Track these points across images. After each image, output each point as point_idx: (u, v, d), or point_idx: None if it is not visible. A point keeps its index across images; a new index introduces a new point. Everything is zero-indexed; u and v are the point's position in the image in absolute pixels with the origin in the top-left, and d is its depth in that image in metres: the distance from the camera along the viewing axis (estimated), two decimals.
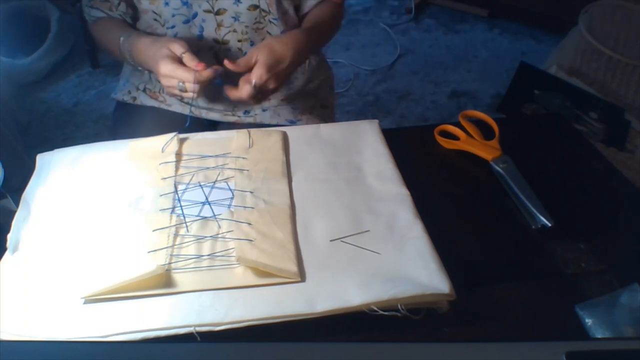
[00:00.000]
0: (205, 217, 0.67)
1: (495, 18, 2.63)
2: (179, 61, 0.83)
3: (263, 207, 0.68)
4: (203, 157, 0.76)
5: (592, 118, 1.72)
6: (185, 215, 0.67)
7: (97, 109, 2.07)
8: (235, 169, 0.74)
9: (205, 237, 0.64)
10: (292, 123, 1.02)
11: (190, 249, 0.63)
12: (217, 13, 0.94)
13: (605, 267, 0.65)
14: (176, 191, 0.70)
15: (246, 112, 1.03)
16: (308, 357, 0.43)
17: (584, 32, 1.85)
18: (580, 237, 0.69)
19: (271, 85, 0.85)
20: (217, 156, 0.76)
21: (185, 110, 1.01)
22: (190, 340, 0.54)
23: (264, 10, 0.95)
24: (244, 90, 0.84)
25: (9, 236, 0.64)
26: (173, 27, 0.95)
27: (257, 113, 1.03)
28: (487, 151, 0.80)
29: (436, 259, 0.61)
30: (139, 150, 0.76)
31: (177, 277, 0.59)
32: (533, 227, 0.70)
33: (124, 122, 1.05)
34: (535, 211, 0.70)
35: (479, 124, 0.86)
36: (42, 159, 0.76)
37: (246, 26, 0.95)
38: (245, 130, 0.80)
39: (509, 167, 0.77)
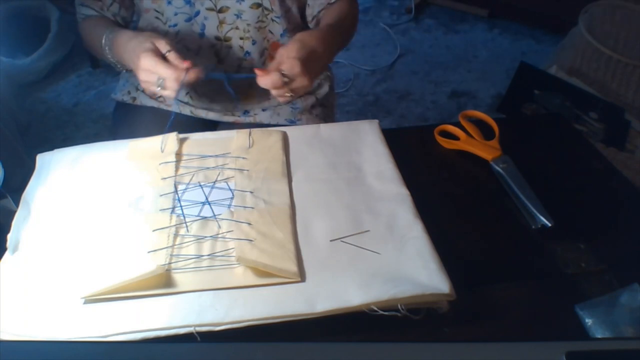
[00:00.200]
0: (205, 217, 0.67)
1: (495, 18, 2.63)
2: (162, 57, 0.80)
3: (263, 207, 0.68)
4: (203, 157, 0.76)
5: (592, 118, 1.72)
6: (185, 215, 0.67)
7: (97, 109, 2.07)
8: (235, 169, 0.74)
9: (205, 237, 0.64)
10: (292, 123, 1.02)
11: (190, 249, 0.63)
12: (220, 11, 0.94)
13: (605, 267, 0.65)
14: (176, 191, 0.70)
15: (246, 112, 1.03)
16: (308, 357, 0.43)
17: (584, 32, 1.85)
18: (580, 237, 0.69)
19: (303, 81, 0.80)
20: (217, 156, 0.76)
21: (185, 110, 1.01)
22: (190, 340, 0.54)
23: (266, 9, 0.95)
24: (270, 77, 0.78)
25: (9, 236, 0.64)
26: (175, 25, 0.95)
27: (257, 113, 1.03)
28: (487, 151, 0.80)
29: (436, 259, 0.61)
30: (139, 150, 0.76)
31: (177, 277, 0.59)
32: (533, 227, 0.70)
33: (123, 122, 1.05)
34: (535, 211, 0.70)
35: (479, 124, 0.86)
36: (42, 159, 0.76)
37: (248, 24, 0.95)
38: (245, 130, 0.80)
39: (509, 167, 0.77)
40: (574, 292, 0.62)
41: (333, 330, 0.56)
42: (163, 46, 0.80)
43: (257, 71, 0.80)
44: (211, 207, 0.68)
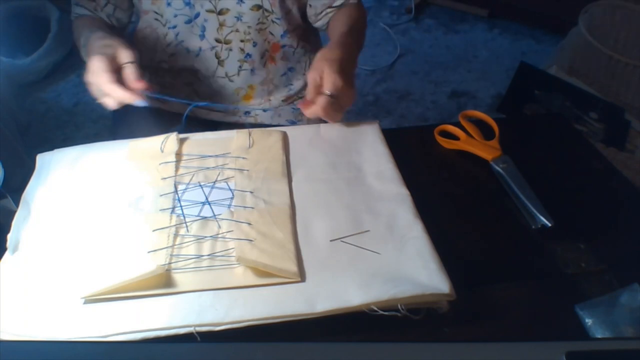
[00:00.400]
0: (205, 217, 0.67)
1: (495, 18, 2.63)
2: (116, 68, 0.75)
3: (263, 207, 0.68)
4: (203, 157, 0.76)
5: (592, 118, 1.72)
6: (185, 215, 0.67)
7: (97, 109, 2.05)
8: (235, 169, 0.74)
9: (205, 237, 0.64)
10: (292, 124, 1.02)
11: (190, 249, 0.63)
12: (220, 13, 0.94)
13: (605, 267, 0.65)
14: (176, 191, 0.70)
15: (247, 113, 1.03)
16: (308, 357, 0.43)
17: (584, 32, 1.85)
18: (580, 237, 0.69)
19: (349, 92, 0.77)
20: (217, 156, 0.76)
21: (184, 110, 1.01)
22: (190, 340, 0.54)
23: (267, 10, 0.95)
24: (318, 103, 0.76)
25: (9, 236, 0.64)
26: (175, 27, 0.95)
27: (258, 113, 1.03)
28: (487, 151, 0.80)
29: (436, 259, 0.61)
30: (139, 150, 0.76)
31: (177, 277, 0.59)
32: (533, 227, 0.70)
33: (123, 122, 1.05)
34: (535, 211, 0.70)
35: (479, 124, 0.86)
36: (42, 159, 0.76)
37: (249, 26, 0.95)
38: (245, 130, 0.80)
39: (509, 167, 0.77)
40: (574, 292, 0.62)
41: (333, 330, 0.56)
42: (125, 56, 0.76)
43: (301, 106, 0.78)
44: (211, 207, 0.68)
